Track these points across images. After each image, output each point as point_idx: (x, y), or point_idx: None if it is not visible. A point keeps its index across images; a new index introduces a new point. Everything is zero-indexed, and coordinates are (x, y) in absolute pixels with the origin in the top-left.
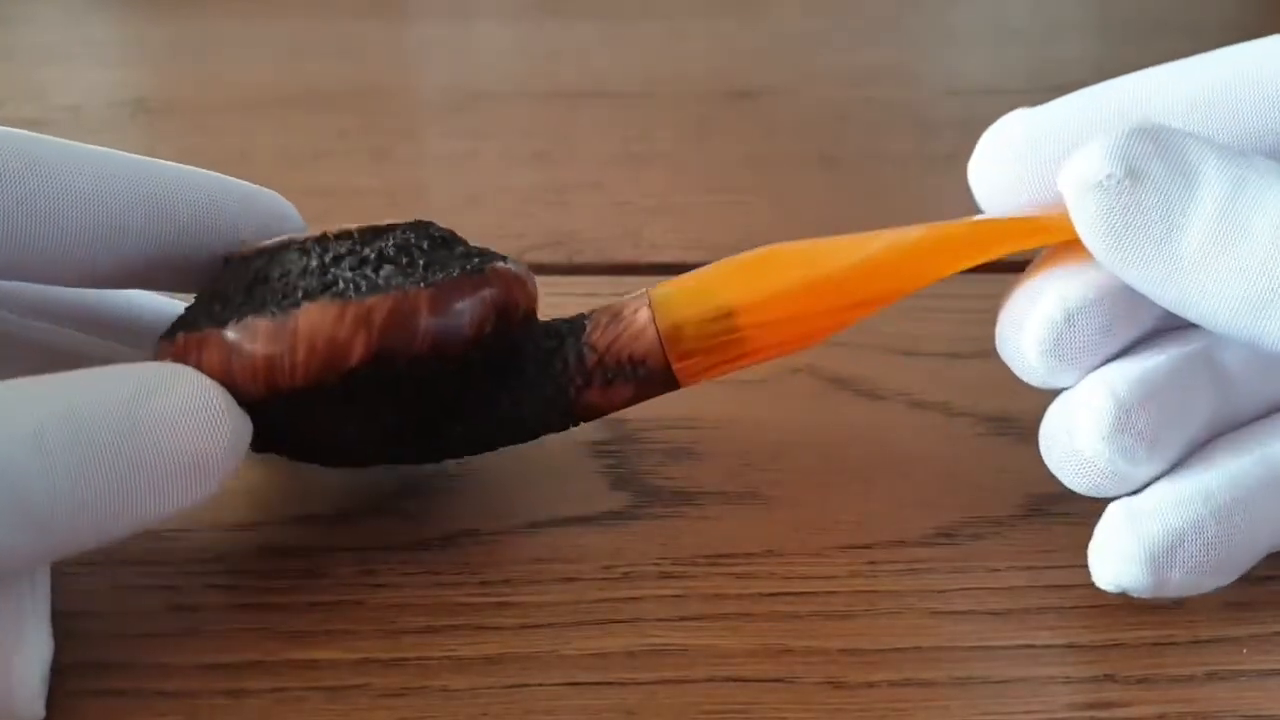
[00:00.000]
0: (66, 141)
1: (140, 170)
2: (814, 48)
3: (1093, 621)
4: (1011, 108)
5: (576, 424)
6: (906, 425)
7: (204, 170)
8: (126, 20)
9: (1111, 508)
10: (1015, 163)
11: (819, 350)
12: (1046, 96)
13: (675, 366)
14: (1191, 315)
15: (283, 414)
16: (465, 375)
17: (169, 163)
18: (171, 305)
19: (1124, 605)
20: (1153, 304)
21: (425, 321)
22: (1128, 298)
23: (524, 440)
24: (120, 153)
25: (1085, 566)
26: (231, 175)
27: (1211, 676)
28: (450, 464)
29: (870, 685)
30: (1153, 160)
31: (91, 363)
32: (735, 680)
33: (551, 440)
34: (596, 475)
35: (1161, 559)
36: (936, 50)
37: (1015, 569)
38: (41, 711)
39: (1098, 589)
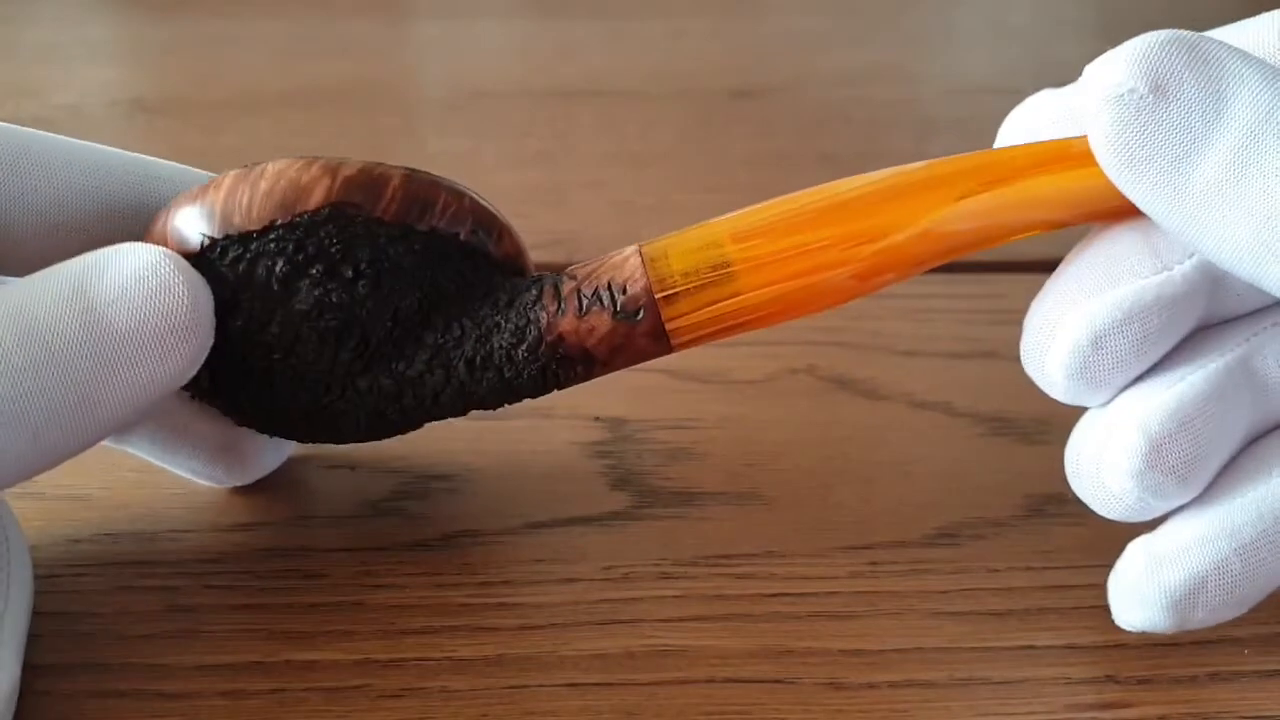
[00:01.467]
0: (55, 135)
1: (127, 165)
2: (814, 48)
3: (1093, 622)
4: (1011, 107)
5: (554, 377)
6: (907, 425)
7: (188, 167)
8: (126, 20)
9: (1131, 548)
10: None
11: (819, 350)
12: None
13: (659, 298)
14: (1195, 247)
15: (237, 282)
16: (432, 292)
17: (152, 158)
18: None
19: None
20: (1188, 313)
21: (394, 190)
22: (1161, 314)
23: (498, 393)
24: (106, 147)
25: (1086, 566)
26: None
27: (1213, 677)
28: (450, 464)
29: (871, 686)
30: (1184, 76)
31: None
32: (735, 681)
33: (551, 440)
34: (596, 475)
35: (1184, 603)
36: (936, 50)
37: (1015, 569)
38: None
39: (1098, 588)
